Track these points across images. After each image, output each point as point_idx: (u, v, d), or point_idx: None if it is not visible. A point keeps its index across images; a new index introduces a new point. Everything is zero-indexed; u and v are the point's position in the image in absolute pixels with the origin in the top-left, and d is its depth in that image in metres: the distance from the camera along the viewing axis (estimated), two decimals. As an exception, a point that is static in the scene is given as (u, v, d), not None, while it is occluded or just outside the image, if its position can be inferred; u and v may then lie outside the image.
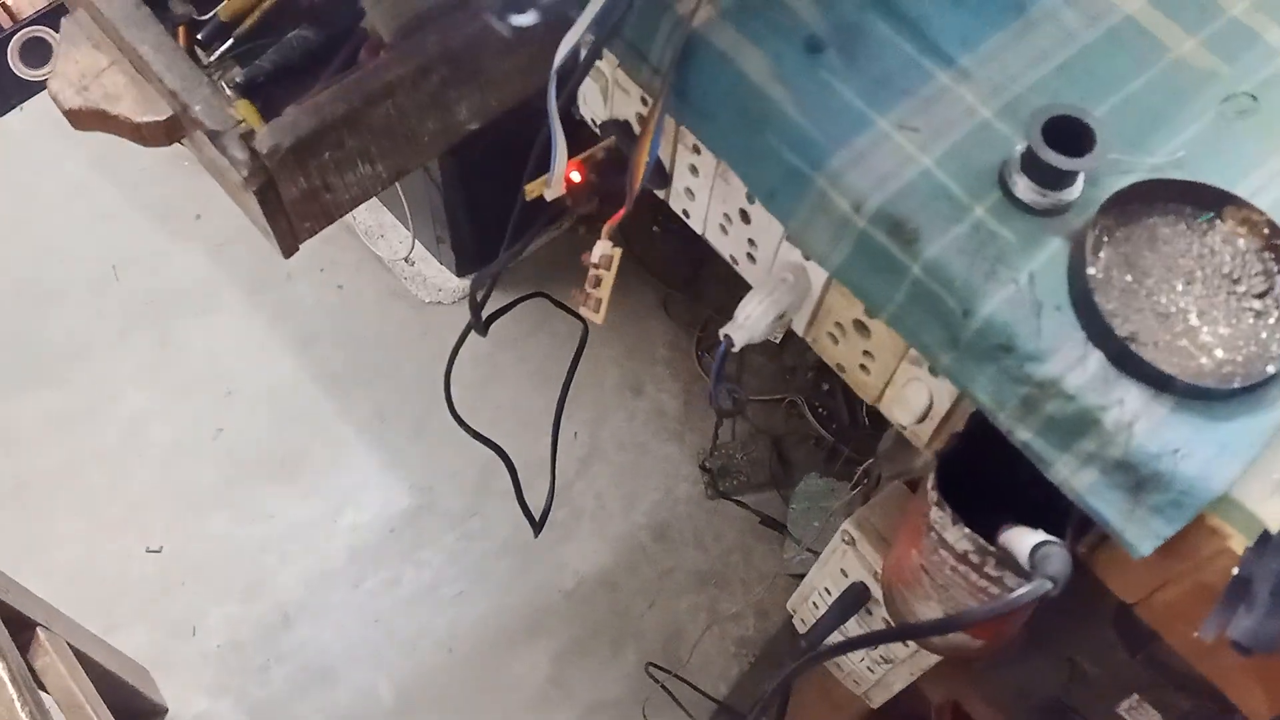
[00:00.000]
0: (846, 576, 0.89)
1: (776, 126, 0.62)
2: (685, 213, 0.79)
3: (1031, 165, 0.58)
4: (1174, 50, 0.65)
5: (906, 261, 0.59)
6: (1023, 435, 0.58)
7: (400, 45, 0.76)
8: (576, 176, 0.73)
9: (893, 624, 0.80)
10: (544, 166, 0.72)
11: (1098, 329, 0.55)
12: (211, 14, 0.81)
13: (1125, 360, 0.55)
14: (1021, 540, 0.59)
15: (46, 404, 1.74)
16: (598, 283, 0.65)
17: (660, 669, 1.58)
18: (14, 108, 1.84)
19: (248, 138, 0.71)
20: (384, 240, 1.89)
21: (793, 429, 1.77)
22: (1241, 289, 0.58)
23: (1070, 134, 0.57)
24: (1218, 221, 0.59)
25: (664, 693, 1.56)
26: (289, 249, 0.79)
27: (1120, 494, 0.55)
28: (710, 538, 1.71)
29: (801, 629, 1.03)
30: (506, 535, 1.71)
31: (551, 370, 1.82)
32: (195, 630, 1.61)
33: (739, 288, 1.86)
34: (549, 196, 0.71)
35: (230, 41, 0.81)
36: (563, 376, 1.80)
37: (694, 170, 0.75)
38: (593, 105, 0.82)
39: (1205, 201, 0.59)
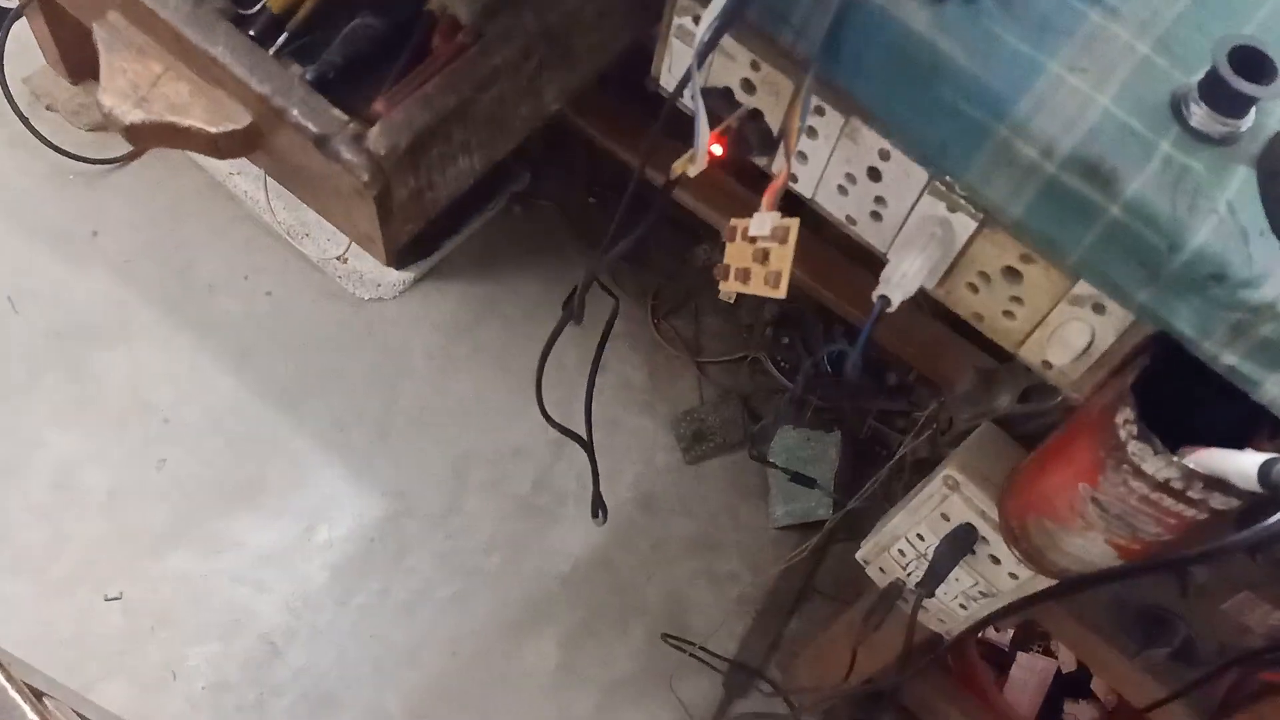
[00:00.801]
0: (948, 520, 0.91)
1: (949, 79, 0.62)
2: (792, 177, 0.78)
3: (1214, 93, 0.59)
4: (1288, -23, 0.67)
5: (1103, 203, 0.60)
6: (1228, 360, 0.60)
7: (488, 27, 0.71)
8: (718, 150, 0.70)
9: (1027, 560, 0.82)
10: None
11: (1309, 248, 0.57)
12: (259, 6, 0.74)
13: (1336, 277, 0.57)
14: (1228, 461, 0.61)
15: (-43, 462, 1.58)
16: (765, 257, 0.63)
17: (674, 638, 1.58)
18: None
19: (361, 139, 0.65)
20: (310, 239, 1.78)
21: (759, 385, 1.79)
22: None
23: (1247, 63, 0.59)
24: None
25: (683, 659, 1.56)
26: (391, 253, 0.73)
27: (1334, 404, 0.58)
28: (696, 503, 1.71)
29: (880, 579, 1.04)
30: (493, 529, 1.66)
31: (511, 355, 1.77)
32: (175, 675, 1.50)
33: (684, 252, 1.85)
34: (693, 173, 0.68)
35: (285, 36, 0.74)
36: (523, 359, 1.77)
37: (811, 133, 0.74)
38: (680, 72, 0.79)
39: (1359, 120, 0.62)
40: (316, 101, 0.65)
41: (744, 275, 0.66)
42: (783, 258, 0.63)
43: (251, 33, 0.72)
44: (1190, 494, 0.63)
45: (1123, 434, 0.64)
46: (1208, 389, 0.63)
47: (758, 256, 0.65)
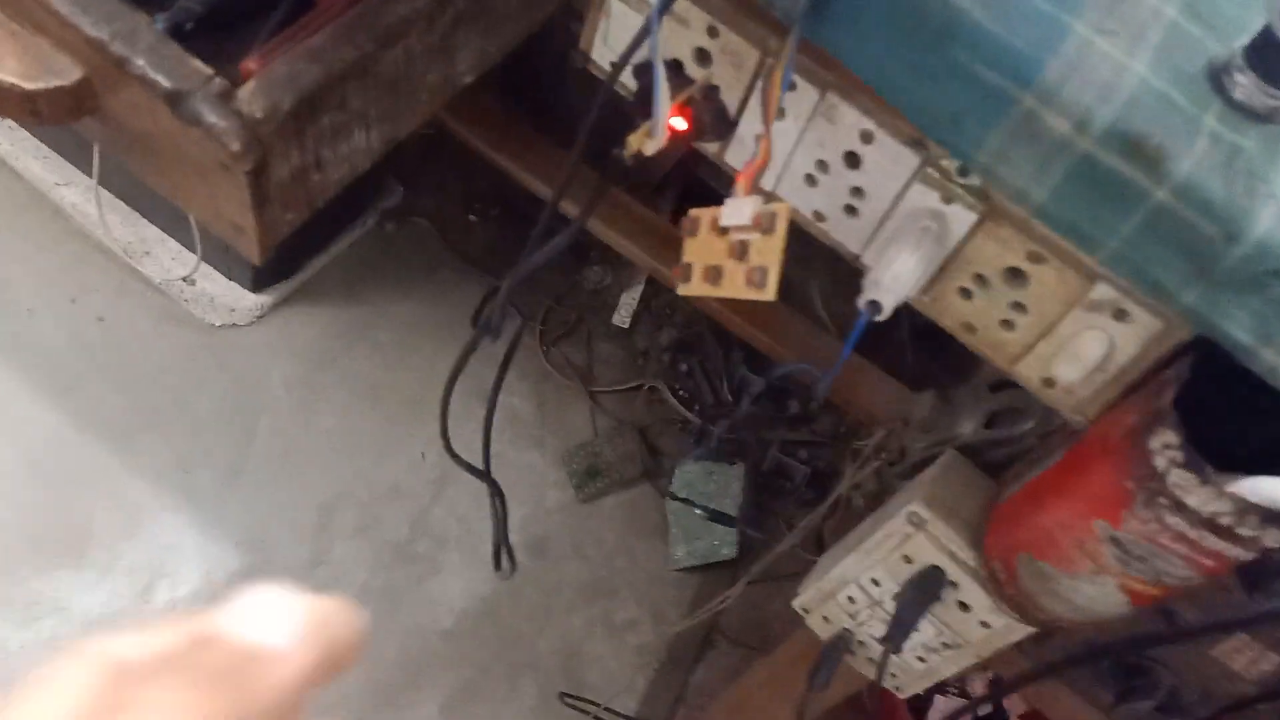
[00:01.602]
0: (911, 563, 0.81)
1: (964, 38, 0.51)
2: (757, 138, 0.67)
3: (1265, 62, 0.51)
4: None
5: (1148, 185, 0.51)
6: (1290, 371, 0.51)
7: (390, -31, 0.57)
8: (681, 123, 0.58)
9: (1012, 608, 0.72)
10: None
11: (1386, 241, 0.49)
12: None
13: None
14: (1286, 489, 0.52)
15: None
16: (744, 251, 0.51)
17: (571, 697, 1.43)
18: None
19: (229, 98, 0.50)
20: (151, 258, 1.58)
21: (656, 416, 1.67)
22: None
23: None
24: None
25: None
26: (266, 248, 0.58)
27: None
28: (590, 545, 1.58)
29: (824, 629, 0.93)
30: (364, 579, 1.48)
31: (384, 385, 1.60)
32: (-18, 770, 1.26)
33: (574, 273, 1.72)
34: (650, 150, 0.55)
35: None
36: (397, 389, 1.60)
37: (778, 113, 0.63)
38: (617, 43, 0.67)
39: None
40: (169, 49, 0.50)
41: (713, 275, 0.54)
42: (769, 250, 0.50)
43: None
44: (1240, 530, 0.54)
45: (1160, 461, 0.55)
46: (1255, 405, 0.54)
47: (734, 251, 0.53)
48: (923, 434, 0.84)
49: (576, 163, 0.63)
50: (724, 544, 1.55)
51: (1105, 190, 0.51)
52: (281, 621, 0.27)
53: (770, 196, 0.55)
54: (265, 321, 1.59)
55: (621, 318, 1.70)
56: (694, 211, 0.57)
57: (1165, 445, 0.54)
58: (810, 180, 0.64)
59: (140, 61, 0.50)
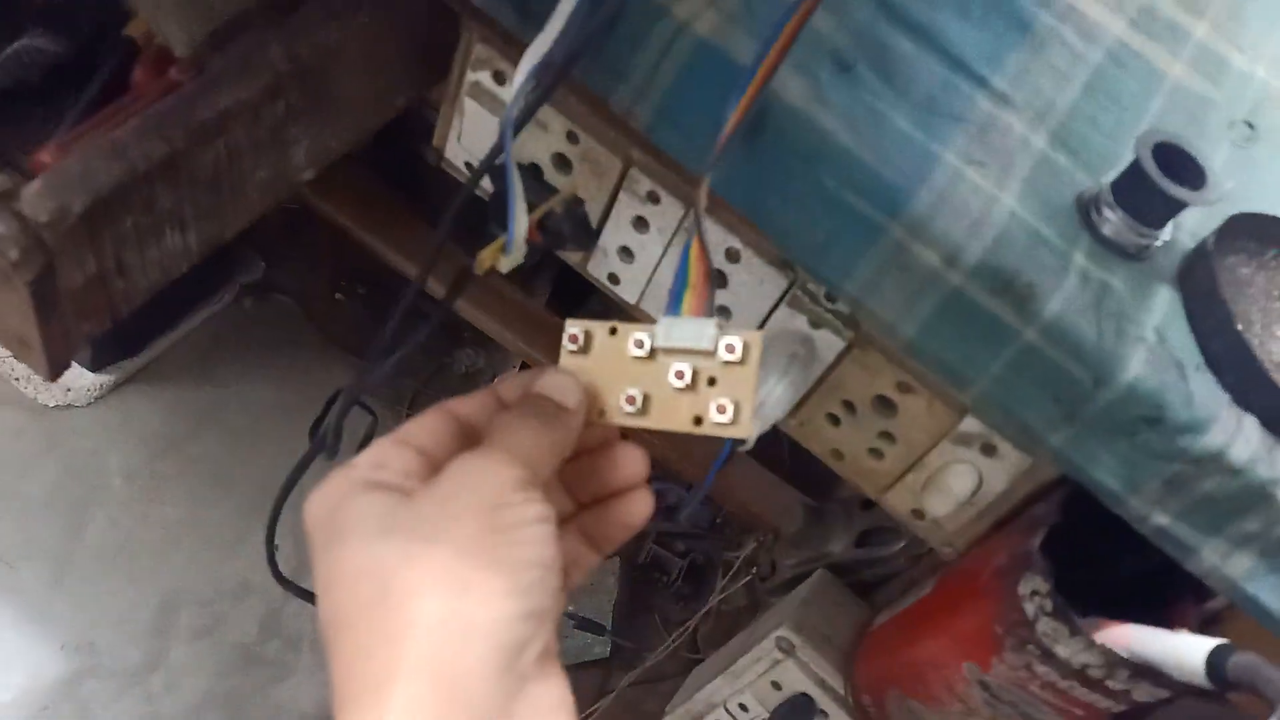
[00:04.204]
0: (780, 689, 0.76)
1: (833, 164, 0.49)
2: (612, 277, 0.63)
3: (1134, 198, 0.50)
4: (1169, 73, 0.60)
5: (1017, 324, 0.48)
6: (1159, 520, 0.49)
7: (213, 60, 0.52)
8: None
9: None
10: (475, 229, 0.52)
11: (1255, 387, 0.48)
12: None
13: (1282, 421, 0.48)
14: (1164, 646, 0.50)
15: None
16: (694, 380, 0.43)
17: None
18: None
19: (11, 198, 0.44)
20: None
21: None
22: (1326, 329, 0.53)
23: (1168, 164, 0.50)
24: (1284, 257, 0.55)
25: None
26: (58, 366, 0.51)
27: (1281, 575, 0.48)
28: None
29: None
30: (206, 686, 1.37)
31: (234, 474, 1.49)
32: None
33: (445, 354, 1.66)
34: (505, 267, 0.51)
35: (-95, 49, 0.51)
36: (249, 478, 1.50)
37: (641, 224, 0.59)
38: (473, 143, 0.62)
39: (1268, 236, 0.55)
40: (-60, 140, 0.43)
41: (639, 403, 0.45)
42: (741, 382, 0.42)
43: None
44: (1110, 684, 0.51)
45: (1029, 608, 0.52)
46: (1120, 547, 0.52)
47: (679, 377, 0.43)
48: (793, 549, 0.81)
49: (437, 253, 0.57)
50: (596, 642, 1.49)
51: (975, 327, 0.49)
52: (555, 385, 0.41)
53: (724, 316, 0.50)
54: (104, 402, 1.48)
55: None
56: (574, 323, 0.47)
57: (1034, 591, 0.52)
58: (674, 296, 0.61)
59: (-99, 153, 0.43)
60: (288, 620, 1.43)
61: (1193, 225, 0.54)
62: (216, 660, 1.37)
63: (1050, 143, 0.54)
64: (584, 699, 1.41)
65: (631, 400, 0.42)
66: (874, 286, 0.50)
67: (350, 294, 1.67)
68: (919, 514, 0.60)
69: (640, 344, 0.42)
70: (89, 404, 1.48)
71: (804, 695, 0.75)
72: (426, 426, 0.39)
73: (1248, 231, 0.54)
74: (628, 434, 0.45)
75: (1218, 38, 0.64)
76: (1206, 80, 0.61)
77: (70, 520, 1.40)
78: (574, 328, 0.45)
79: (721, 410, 0.40)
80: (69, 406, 1.46)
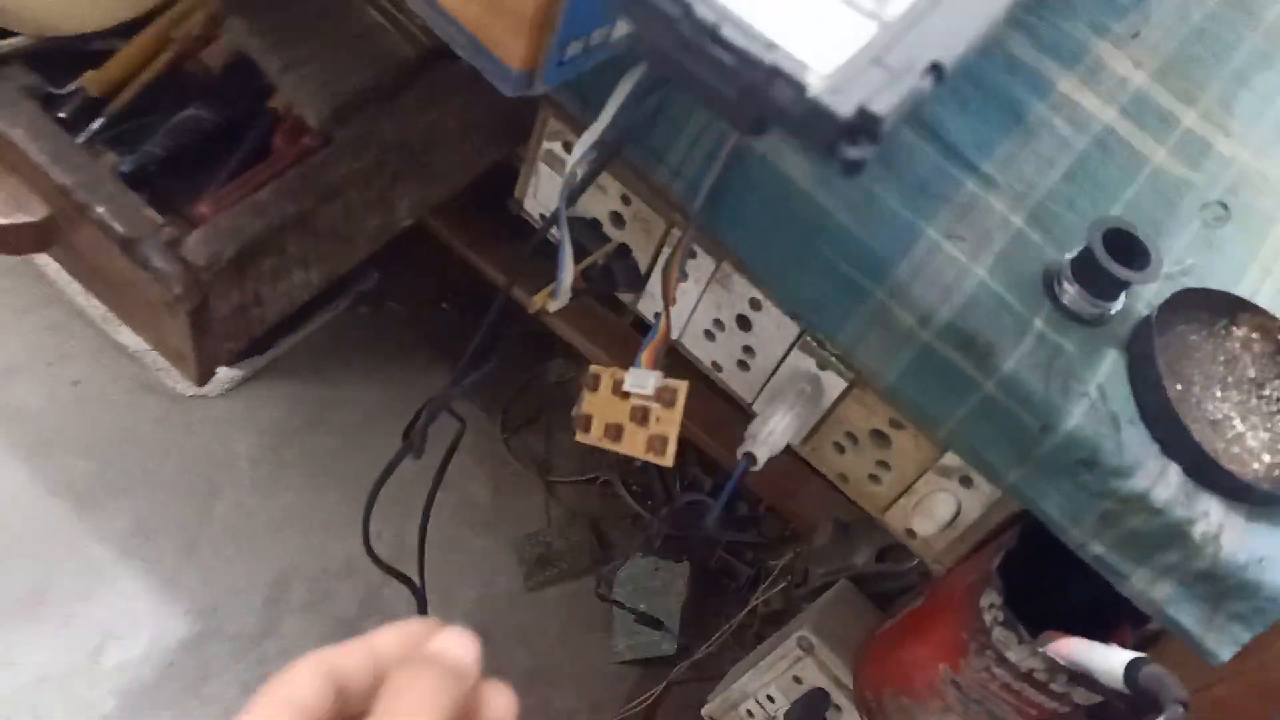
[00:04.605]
0: (801, 684, 0.86)
1: (830, 236, 0.59)
2: (657, 316, 0.74)
3: (1086, 275, 0.58)
4: (1151, 160, 0.68)
5: (978, 378, 0.57)
6: (1096, 549, 0.58)
7: (338, 132, 0.65)
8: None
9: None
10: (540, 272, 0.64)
11: (1177, 441, 0.56)
12: (74, 87, 0.66)
13: (1204, 471, 0.56)
14: (1094, 656, 0.58)
15: None
16: (644, 417, 0.58)
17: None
18: None
19: (176, 245, 0.57)
20: (127, 327, 1.64)
21: (609, 509, 1.72)
22: (1266, 392, 0.61)
23: (1120, 246, 0.58)
24: (1233, 328, 0.62)
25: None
26: (205, 375, 0.65)
27: (1200, 604, 0.56)
28: (535, 632, 1.62)
29: (726, 738, 0.98)
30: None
31: (344, 466, 1.65)
32: (-83, 822, 1.30)
33: (538, 365, 1.79)
34: (554, 308, 0.63)
35: (102, 121, 0.66)
36: (356, 471, 1.65)
37: (682, 274, 0.70)
38: (546, 198, 0.74)
39: (1219, 309, 0.62)
40: (126, 198, 0.57)
41: (614, 432, 0.60)
42: (669, 422, 0.57)
43: (62, 114, 0.64)
44: (1053, 687, 0.60)
45: (987, 618, 0.61)
46: (1073, 571, 0.60)
47: (635, 415, 0.59)
48: (823, 560, 0.90)
49: (511, 284, 0.69)
50: (664, 640, 1.60)
51: (943, 378, 0.58)
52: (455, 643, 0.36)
53: (671, 369, 0.62)
54: (234, 395, 1.65)
55: (581, 411, 1.76)
56: (595, 369, 0.63)
57: (991, 604, 0.61)
58: (709, 335, 0.71)
59: (100, 209, 0.57)
60: (386, 600, 1.58)
61: (1150, 295, 0.62)
62: (321, 632, 1.53)
63: (1027, 221, 0.63)
64: (647, 691, 1.52)
65: (607, 429, 0.54)
66: (860, 339, 0.60)
67: (455, 305, 1.81)
68: (911, 534, 0.70)
69: (618, 386, 0.54)
70: (220, 395, 1.65)
71: (820, 690, 0.85)
72: (303, 690, 0.34)
73: (1200, 304, 0.62)
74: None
75: (1206, 124, 0.72)
76: (1186, 165, 0.69)
77: (201, 500, 1.58)
78: (593, 371, 0.57)
79: (651, 443, 0.52)
80: (204, 397, 1.64)
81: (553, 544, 1.66)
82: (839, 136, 0.30)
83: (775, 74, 0.30)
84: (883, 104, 0.31)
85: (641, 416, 0.57)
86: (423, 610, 1.15)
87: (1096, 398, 0.57)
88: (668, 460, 0.56)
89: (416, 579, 1.07)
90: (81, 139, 0.65)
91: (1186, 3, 0.79)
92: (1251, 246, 0.67)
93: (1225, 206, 0.68)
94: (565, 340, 1.63)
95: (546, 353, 1.79)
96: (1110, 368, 0.59)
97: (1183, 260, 0.65)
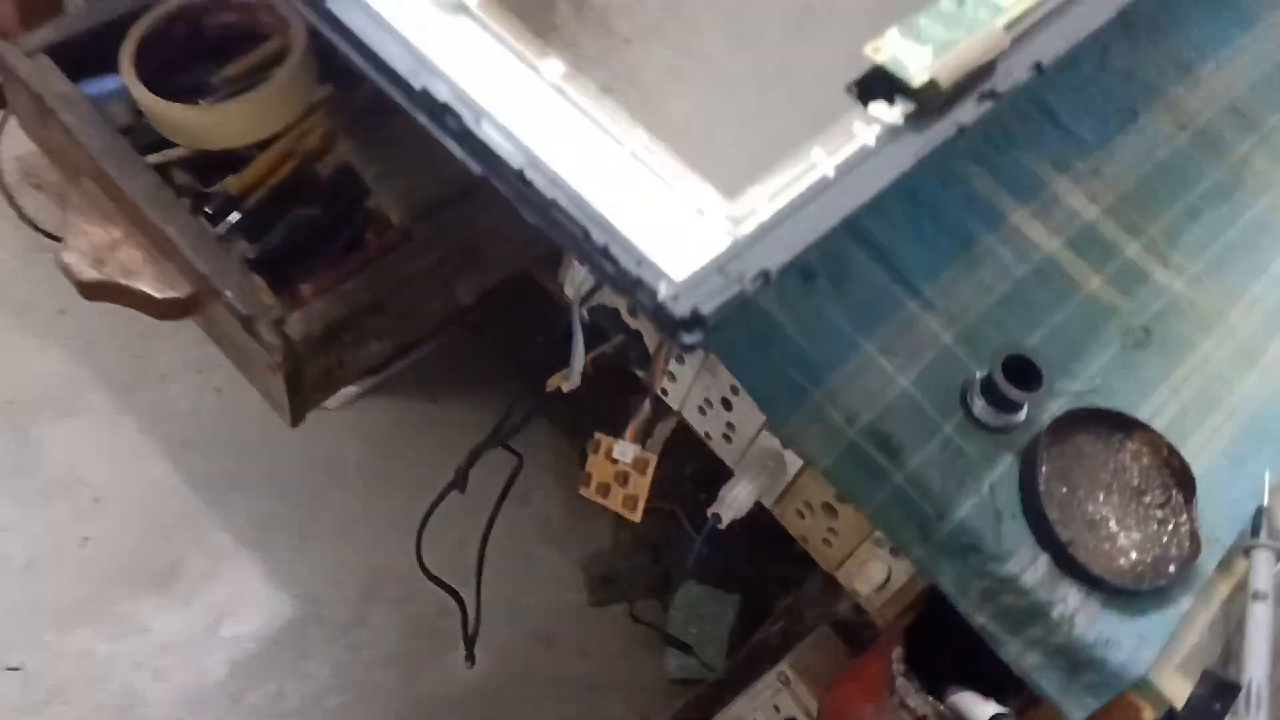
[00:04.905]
0: (779, 712, 0.99)
1: (781, 347, 0.73)
2: (664, 391, 0.89)
3: (990, 393, 0.71)
4: (1085, 287, 0.80)
5: (890, 470, 0.71)
6: (980, 619, 0.70)
7: (415, 230, 0.82)
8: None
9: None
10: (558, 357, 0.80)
11: (1046, 536, 0.68)
12: (217, 187, 0.85)
13: (1067, 563, 0.68)
14: (974, 708, 0.71)
15: (-115, 519, 1.64)
16: (625, 479, 0.73)
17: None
18: None
19: (282, 324, 0.75)
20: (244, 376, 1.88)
21: (673, 538, 1.87)
22: (1147, 500, 0.72)
23: (1021, 367, 0.71)
24: (1127, 442, 0.74)
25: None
26: (297, 420, 0.83)
27: (1060, 673, 0.68)
28: (594, 646, 1.78)
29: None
30: (392, 645, 1.72)
31: (440, 478, 1.84)
32: (59, 754, 1.54)
33: (623, 401, 1.96)
34: (566, 388, 0.78)
35: (238, 216, 0.85)
36: (447, 481, 1.85)
37: (679, 358, 0.85)
38: (581, 284, 0.90)
39: (1117, 425, 0.74)
40: (249, 285, 0.76)
41: (603, 490, 0.76)
42: (641, 486, 0.73)
43: (208, 209, 0.83)
44: (944, 729, 0.72)
45: (896, 669, 0.74)
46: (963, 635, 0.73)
47: (619, 478, 0.75)
48: (813, 605, 1.04)
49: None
50: (712, 663, 1.74)
51: (865, 469, 0.72)
52: None
53: (648, 443, 0.77)
54: (350, 408, 1.87)
55: (654, 444, 1.91)
56: (599, 436, 0.79)
57: (898, 659, 0.74)
58: (701, 410, 0.86)
59: (229, 293, 0.76)
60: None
61: (1057, 408, 0.74)
62: (405, 626, 1.73)
63: (956, 340, 0.75)
64: (687, 712, 1.66)
65: (599, 486, 0.69)
66: (802, 431, 0.74)
67: (548, 339, 1.99)
68: (856, 592, 0.83)
69: (610, 452, 0.70)
70: (338, 408, 1.87)
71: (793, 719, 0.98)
72: None
73: (1100, 419, 0.73)
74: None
75: (1147, 255, 0.83)
76: (1119, 292, 0.80)
77: (314, 498, 1.80)
78: (596, 437, 0.73)
79: (626, 501, 0.67)
80: (324, 409, 1.86)
81: (616, 565, 1.82)
82: (677, 328, 0.45)
83: (638, 283, 0.45)
84: (710, 306, 0.45)
85: (623, 479, 0.72)
86: (465, 621, 1.32)
87: (986, 494, 0.70)
88: (636, 517, 0.71)
89: (474, 593, 1.23)
90: (220, 229, 0.85)
91: (1154, 140, 0.89)
92: (1165, 370, 0.78)
93: (1148, 331, 0.79)
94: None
95: (627, 388, 1.96)
96: (1003, 470, 0.71)
97: (1095, 379, 0.76)
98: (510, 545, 1.83)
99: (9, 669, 1.57)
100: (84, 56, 0.82)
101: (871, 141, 0.53)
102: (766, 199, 0.50)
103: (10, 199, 1.85)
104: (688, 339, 0.46)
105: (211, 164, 0.86)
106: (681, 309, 0.45)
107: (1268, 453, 0.75)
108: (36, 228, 1.88)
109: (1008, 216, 0.82)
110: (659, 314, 0.46)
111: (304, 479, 1.81)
